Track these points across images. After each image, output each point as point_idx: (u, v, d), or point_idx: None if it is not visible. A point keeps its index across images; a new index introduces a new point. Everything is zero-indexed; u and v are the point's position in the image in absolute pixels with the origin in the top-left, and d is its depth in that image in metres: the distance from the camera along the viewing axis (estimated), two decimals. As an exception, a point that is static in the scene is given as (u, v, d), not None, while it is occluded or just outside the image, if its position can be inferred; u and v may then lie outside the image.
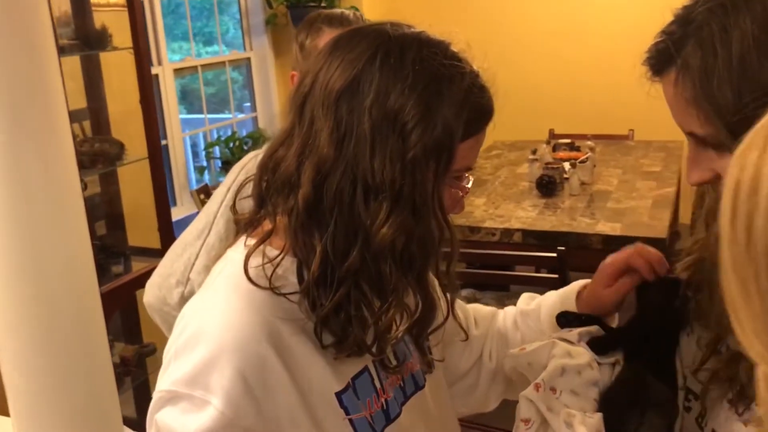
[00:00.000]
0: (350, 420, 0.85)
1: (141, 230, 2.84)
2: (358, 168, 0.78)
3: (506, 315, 1.19)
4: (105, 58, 2.62)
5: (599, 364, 0.99)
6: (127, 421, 1.99)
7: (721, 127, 0.72)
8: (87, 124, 2.73)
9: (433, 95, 0.79)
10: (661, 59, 0.78)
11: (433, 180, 0.80)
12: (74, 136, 2.41)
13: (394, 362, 0.92)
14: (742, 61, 0.70)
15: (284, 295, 0.81)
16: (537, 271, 3.10)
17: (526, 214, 2.93)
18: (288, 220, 0.81)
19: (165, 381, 0.80)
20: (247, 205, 0.90)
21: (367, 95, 0.78)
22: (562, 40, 4.51)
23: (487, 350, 1.14)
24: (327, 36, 1.42)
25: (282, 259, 0.82)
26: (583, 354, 0.99)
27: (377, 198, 0.78)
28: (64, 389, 1.62)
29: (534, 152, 3.38)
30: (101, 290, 2.05)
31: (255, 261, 0.82)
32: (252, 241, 0.84)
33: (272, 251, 0.83)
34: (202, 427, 0.76)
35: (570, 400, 0.93)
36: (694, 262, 0.82)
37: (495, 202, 3.10)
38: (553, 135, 4.13)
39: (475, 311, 1.18)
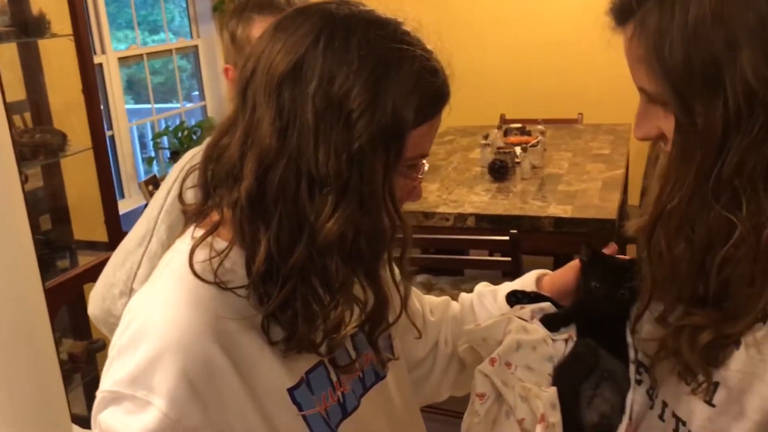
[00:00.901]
0: (303, 416, 0.82)
1: (87, 223, 2.76)
2: (301, 159, 0.74)
3: (462, 300, 1.19)
4: (44, 46, 2.53)
5: (553, 340, 1.00)
6: (78, 419, 1.94)
7: (668, 87, 0.72)
8: (27, 116, 2.64)
9: (381, 80, 0.74)
10: (623, 11, 0.77)
11: (383, 170, 0.76)
12: (14, 128, 2.32)
13: (353, 354, 0.90)
14: (695, 28, 0.70)
15: (232, 290, 0.78)
16: (490, 255, 3.12)
17: (479, 198, 2.94)
18: (232, 213, 0.78)
19: (108, 381, 0.77)
20: (191, 196, 0.86)
21: (311, 81, 0.74)
22: (512, 26, 4.53)
23: (443, 336, 1.14)
24: (258, 24, 1.37)
25: (229, 251, 0.78)
26: (538, 330, 0.99)
27: (322, 191, 0.74)
28: (7, 388, 1.57)
29: (486, 137, 3.40)
30: (46, 286, 1.99)
31: (202, 254, 0.78)
32: (199, 233, 0.81)
33: (220, 243, 0.79)
34: (145, 429, 0.73)
35: (525, 375, 0.93)
36: (646, 225, 0.82)
37: (448, 187, 3.11)
38: (504, 120, 4.16)
39: (429, 300, 1.17)
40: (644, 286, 0.84)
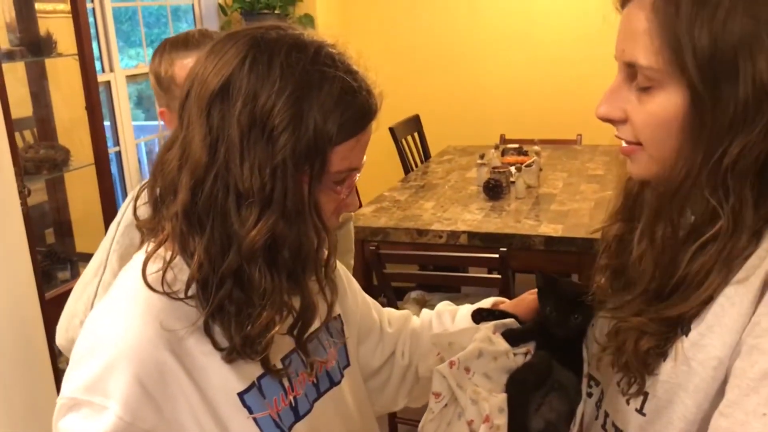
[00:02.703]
0: (254, 419, 0.86)
1: (89, 237, 2.83)
2: (229, 174, 0.78)
3: (423, 317, 1.23)
4: (51, 64, 2.62)
5: (514, 354, 1.04)
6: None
7: (691, 64, 0.72)
8: (33, 132, 2.72)
9: (302, 100, 0.78)
10: None
11: (308, 184, 0.81)
12: (19, 144, 2.40)
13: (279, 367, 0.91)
14: (726, 14, 0.71)
15: (181, 299, 0.82)
16: (489, 273, 3.17)
17: (473, 216, 2.99)
18: (172, 225, 0.82)
19: (66, 388, 0.81)
20: (144, 211, 0.90)
21: (237, 100, 0.78)
22: (513, 47, 4.60)
23: (399, 348, 1.17)
24: (178, 63, 1.38)
25: (171, 261, 0.83)
26: (502, 343, 1.04)
27: (248, 203, 0.78)
28: (4, 394, 1.63)
29: (482, 157, 3.45)
30: (47, 296, 2.06)
31: (154, 266, 0.83)
32: (151, 247, 0.86)
33: (169, 255, 0.84)
34: (103, 431, 0.76)
35: (481, 382, 0.98)
36: (662, 201, 0.82)
37: (443, 205, 3.16)
38: (504, 140, 4.22)
39: (389, 313, 1.21)
40: (638, 280, 0.84)
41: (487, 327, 1.07)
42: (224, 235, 0.80)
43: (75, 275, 2.63)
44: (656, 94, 0.77)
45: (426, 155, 4.33)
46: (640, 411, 0.84)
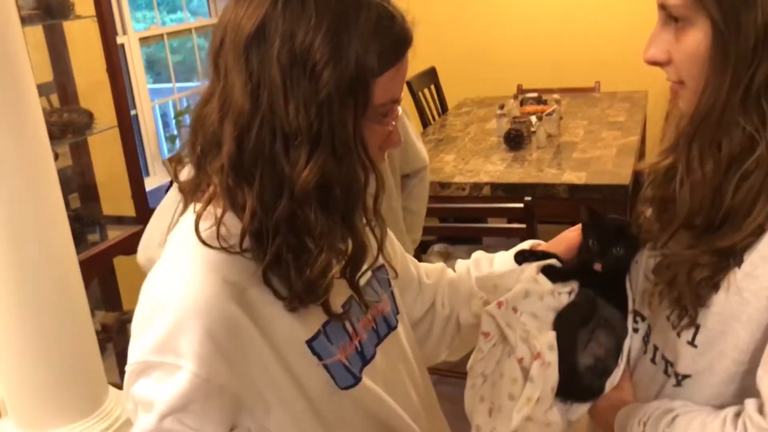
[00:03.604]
0: (325, 365, 0.87)
1: (115, 200, 2.85)
2: (274, 117, 0.76)
3: (459, 266, 1.23)
4: (69, 27, 2.60)
5: (558, 293, 1.05)
6: (111, 386, 2.04)
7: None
8: (55, 97, 2.72)
9: (340, 31, 0.76)
10: None
11: (353, 119, 0.79)
12: (42, 108, 2.41)
13: (339, 311, 0.91)
14: None
15: (238, 252, 0.81)
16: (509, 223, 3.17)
17: (495, 167, 2.99)
18: (219, 179, 0.80)
19: (135, 352, 0.81)
20: (186, 173, 0.88)
21: (274, 41, 0.76)
22: (528, -4, 4.53)
23: (439, 299, 1.17)
24: None
25: (223, 217, 0.81)
26: (547, 283, 1.05)
27: (296, 144, 0.77)
28: (49, 354, 1.67)
29: (501, 107, 3.43)
30: (79, 258, 2.09)
31: (206, 223, 0.82)
32: (199, 206, 0.84)
33: (219, 211, 0.82)
34: (178, 392, 0.77)
35: (529, 321, 0.99)
36: (685, 134, 0.84)
37: (464, 157, 3.16)
38: (521, 90, 4.18)
39: (425, 266, 1.21)
40: (679, 209, 0.85)
41: (531, 267, 1.08)
42: (275, 181, 0.78)
43: (104, 237, 2.66)
44: (688, 31, 0.79)
45: (443, 108, 4.31)
46: (691, 343, 0.85)
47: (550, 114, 3.28)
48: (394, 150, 1.79)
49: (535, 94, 3.73)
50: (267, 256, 0.80)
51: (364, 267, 0.90)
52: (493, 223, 3.14)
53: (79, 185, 2.79)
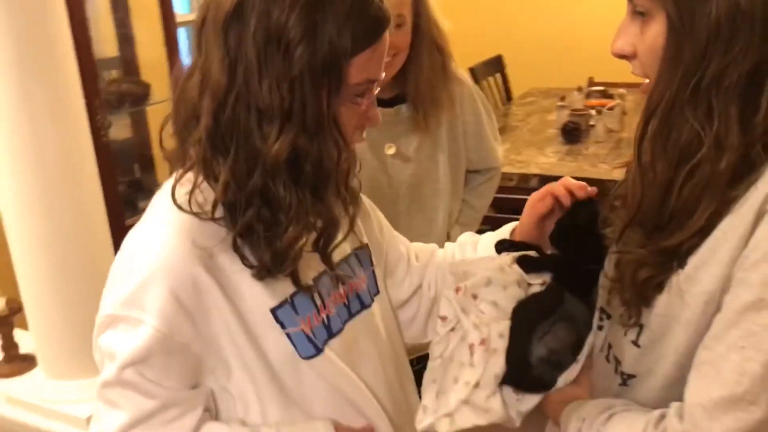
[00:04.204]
0: (287, 334, 0.90)
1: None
2: (249, 93, 0.80)
3: (446, 249, 1.23)
4: (133, 1, 2.72)
5: (529, 284, 1.03)
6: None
7: None
8: (111, 73, 2.83)
9: (314, 11, 0.79)
10: None
11: (327, 97, 0.81)
12: (102, 79, 2.53)
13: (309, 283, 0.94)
14: None
15: (212, 219, 0.85)
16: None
17: (547, 160, 2.93)
18: (195, 150, 0.84)
19: (105, 305, 0.86)
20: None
21: (251, 19, 0.79)
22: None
23: (426, 280, 1.18)
24: None
25: (200, 185, 0.85)
26: (514, 273, 1.03)
27: (269, 120, 0.80)
28: (77, 308, 1.76)
29: (562, 99, 3.35)
30: (127, 222, 2.19)
31: (182, 189, 0.85)
32: (180, 173, 0.87)
33: (198, 179, 0.85)
34: (140, 345, 0.82)
35: (489, 309, 0.98)
36: (637, 128, 0.83)
37: (518, 148, 3.10)
38: (592, 83, 4.06)
39: (416, 247, 1.22)
40: (630, 205, 0.84)
41: (504, 257, 1.06)
42: (248, 154, 0.81)
43: (155, 205, 2.77)
44: (650, 25, 0.77)
45: (508, 97, 4.23)
46: (635, 343, 0.83)
47: (611, 108, 3.17)
48: (466, 142, 1.76)
49: (601, 88, 3.62)
50: (238, 226, 0.84)
51: (337, 241, 0.92)
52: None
53: (138, 155, 2.91)
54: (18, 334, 1.98)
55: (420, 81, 1.59)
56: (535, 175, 2.78)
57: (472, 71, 3.81)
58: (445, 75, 1.64)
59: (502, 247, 1.12)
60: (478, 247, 1.17)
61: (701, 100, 0.73)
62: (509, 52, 4.19)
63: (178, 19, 2.69)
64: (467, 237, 1.22)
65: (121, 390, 0.85)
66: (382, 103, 1.53)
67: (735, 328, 0.70)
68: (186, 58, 3.26)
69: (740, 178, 0.73)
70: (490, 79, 4.03)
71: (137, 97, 2.60)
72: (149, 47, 2.77)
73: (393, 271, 1.16)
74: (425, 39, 1.57)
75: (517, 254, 1.07)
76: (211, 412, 0.92)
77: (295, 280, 0.90)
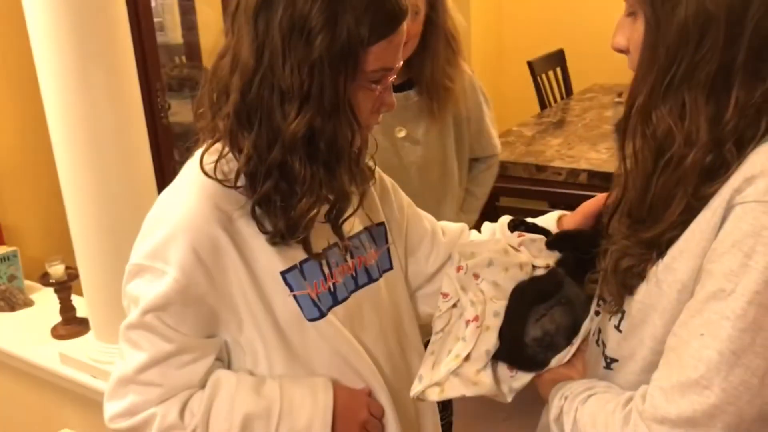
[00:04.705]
0: (294, 296, 0.98)
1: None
2: (273, 75, 0.88)
3: (485, 227, 1.27)
4: (198, -9, 2.83)
5: (534, 267, 1.06)
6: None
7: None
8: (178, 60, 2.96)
9: (335, 3, 0.86)
10: None
11: (344, 82, 0.89)
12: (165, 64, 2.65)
13: (348, 257, 1.04)
14: None
15: (233, 187, 0.94)
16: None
17: (598, 156, 2.90)
18: (224, 124, 0.93)
19: (134, 256, 0.97)
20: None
21: (278, 8, 0.87)
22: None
23: (455, 256, 1.19)
24: None
25: (225, 156, 0.94)
26: (518, 256, 1.06)
27: (290, 101, 0.88)
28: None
29: (620, 95, 3.30)
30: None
31: (210, 158, 0.95)
32: (209, 142, 0.97)
33: (225, 150, 0.95)
34: (161, 293, 0.92)
35: (488, 289, 1.02)
36: (620, 122, 0.86)
37: (570, 143, 3.08)
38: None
39: (444, 225, 1.27)
40: (615, 195, 0.88)
41: (510, 238, 1.09)
42: (270, 130, 0.90)
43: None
44: (636, 23, 0.80)
45: (568, 92, 4.19)
46: (617, 328, 0.86)
47: (669, 105, 3.11)
48: (468, 132, 1.85)
49: (662, 84, 3.54)
50: (257, 194, 0.93)
51: (347, 214, 1.00)
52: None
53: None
54: (75, 300, 2.12)
55: (435, 71, 1.69)
56: (584, 171, 2.76)
57: (531, 65, 3.80)
58: (457, 66, 1.74)
59: (513, 225, 1.15)
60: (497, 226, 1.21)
61: (674, 96, 0.76)
62: (571, 46, 4.13)
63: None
64: (505, 219, 1.25)
65: (142, 332, 0.95)
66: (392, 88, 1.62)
67: (698, 317, 0.73)
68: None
69: (715, 176, 0.75)
70: (550, 73, 3.99)
71: (197, 82, 2.71)
72: (211, 35, 2.88)
73: (417, 247, 1.21)
74: (440, 30, 1.67)
75: (525, 237, 1.10)
76: (224, 362, 1.02)
77: (306, 247, 0.98)
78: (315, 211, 0.94)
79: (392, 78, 0.96)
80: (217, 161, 0.94)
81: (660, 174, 0.77)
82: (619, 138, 0.83)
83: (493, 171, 2.02)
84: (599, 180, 2.72)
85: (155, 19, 2.49)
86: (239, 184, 0.94)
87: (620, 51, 0.85)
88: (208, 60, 3.04)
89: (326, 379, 1.01)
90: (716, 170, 0.75)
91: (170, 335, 0.94)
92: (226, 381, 0.98)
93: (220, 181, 0.94)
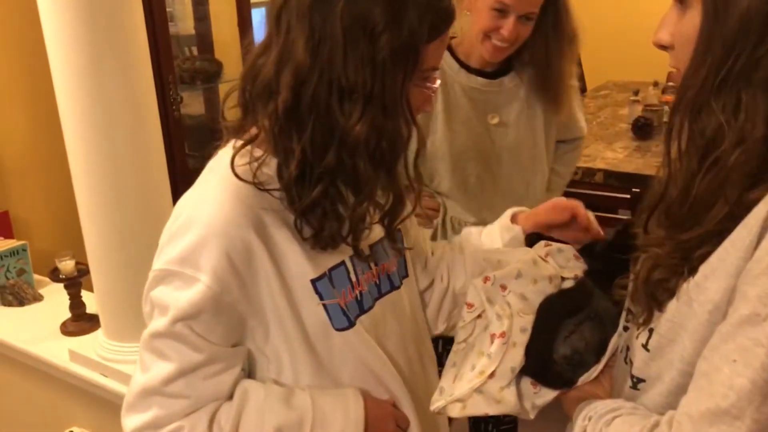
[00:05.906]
0: (324, 305, 0.95)
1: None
2: (332, 72, 0.84)
3: (455, 240, 1.27)
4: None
5: (563, 278, 1.03)
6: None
7: None
8: (188, 50, 2.92)
9: (398, 0, 0.84)
10: None
11: (402, 80, 0.86)
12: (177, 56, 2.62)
13: (372, 264, 1.01)
14: None
15: (268, 190, 0.90)
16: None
17: (614, 155, 2.86)
18: (268, 124, 0.88)
19: (159, 261, 0.91)
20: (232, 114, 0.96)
21: (338, 2, 0.83)
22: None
23: (439, 273, 1.20)
24: None
25: (265, 158, 0.90)
26: (547, 268, 1.03)
27: (351, 99, 0.85)
28: (137, 276, 1.85)
29: (636, 93, 3.26)
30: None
31: (242, 160, 0.90)
32: (239, 143, 0.92)
33: (258, 152, 0.91)
34: (193, 301, 0.88)
35: (516, 301, 0.99)
36: (669, 117, 0.82)
37: (585, 141, 3.01)
38: (670, 78, 3.92)
39: (432, 244, 1.25)
40: (655, 193, 0.83)
41: (538, 249, 1.06)
42: (327, 130, 0.86)
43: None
44: (687, 12, 0.76)
45: (583, 89, 4.13)
46: (645, 346, 0.82)
47: (687, 104, 3.06)
48: (557, 116, 1.89)
49: (679, 83, 3.49)
50: (306, 199, 0.89)
51: (376, 236, 0.98)
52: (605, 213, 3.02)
53: (210, 131, 3.01)
54: (85, 296, 2.09)
55: (562, 72, 1.78)
56: (600, 170, 2.72)
57: (546, 61, 3.74)
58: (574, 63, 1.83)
59: (534, 241, 1.12)
60: (482, 234, 1.21)
61: (729, 92, 0.71)
62: (585, 42, 4.07)
63: (253, -1, 2.76)
64: (474, 228, 1.26)
65: (171, 341, 0.90)
66: (487, 75, 1.74)
67: (730, 341, 0.69)
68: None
69: (759, 180, 0.71)
70: (564, 69, 3.94)
71: (209, 74, 2.69)
72: (224, 26, 2.85)
73: (416, 262, 1.18)
74: (564, 32, 1.76)
75: (552, 247, 1.07)
76: (245, 371, 0.98)
77: (357, 251, 0.96)
78: (370, 216, 0.92)
79: (437, 74, 0.95)
80: (251, 163, 0.90)
81: (705, 174, 0.73)
82: (665, 135, 0.79)
83: (578, 152, 2.08)
84: (615, 180, 2.68)
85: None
86: (275, 186, 0.90)
87: (662, 47, 0.81)
88: (220, 52, 2.98)
89: (356, 391, 0.98)
90: (762, 174, 0.71)
91: (200, 345, 0.90)
92: (254, 392, 0.95)
93: (254, 184, 0.90)
